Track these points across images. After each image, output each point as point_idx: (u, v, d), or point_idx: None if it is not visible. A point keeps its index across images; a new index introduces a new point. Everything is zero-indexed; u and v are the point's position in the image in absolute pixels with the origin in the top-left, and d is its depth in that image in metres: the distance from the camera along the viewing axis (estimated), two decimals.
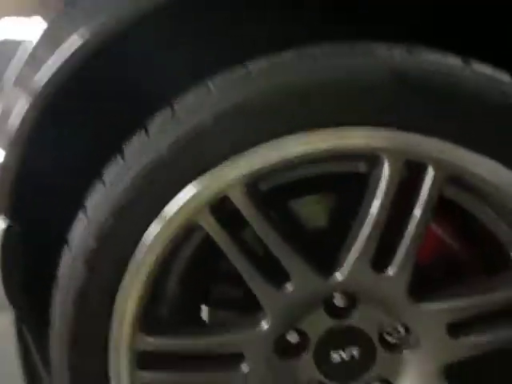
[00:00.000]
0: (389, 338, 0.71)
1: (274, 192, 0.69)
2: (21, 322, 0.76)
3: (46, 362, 0.80)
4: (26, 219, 0.71)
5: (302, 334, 0.71)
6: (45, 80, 0.63)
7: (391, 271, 0.65)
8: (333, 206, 0.73)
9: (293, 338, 0.72)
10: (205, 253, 0.73)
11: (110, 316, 0.67)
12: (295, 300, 0.67)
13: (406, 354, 0.70)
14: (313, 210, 0.74)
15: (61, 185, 0.73)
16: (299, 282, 0.67)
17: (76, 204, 0.67)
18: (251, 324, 0.69)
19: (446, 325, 0.66)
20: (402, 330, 0.71)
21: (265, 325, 0.68)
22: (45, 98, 0.64)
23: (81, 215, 0.66)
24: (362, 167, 0.67)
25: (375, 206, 0.64)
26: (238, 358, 0.70)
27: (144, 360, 0.69)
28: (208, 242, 0.71)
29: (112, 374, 0.68)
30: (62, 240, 0.68)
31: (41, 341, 0.78)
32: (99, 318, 0.67)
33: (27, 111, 0.65)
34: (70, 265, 0.66)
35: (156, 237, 0.64)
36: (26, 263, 0.70)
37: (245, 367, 0.69)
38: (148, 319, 0.69)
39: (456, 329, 0.67)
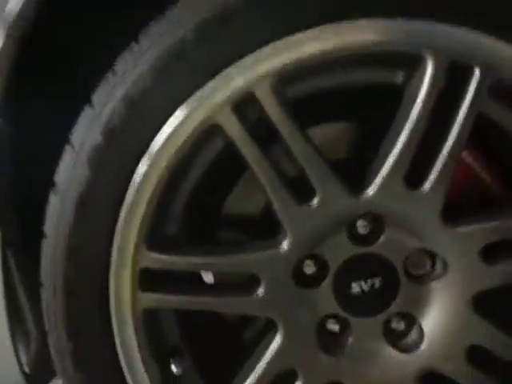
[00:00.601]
0: (414, 270, 0.68)
1: (303, 105, 0.64)
2: (6, 246, 0.67)
3: (31, 292, 0.71)
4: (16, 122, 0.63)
5: (321, 262, 0.65)
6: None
7: (426, 188, 0.61)
8: (364, 119, 0.68)
9: (312, 266, 0.67)
10: (219, 171, 0.66)
11: (112, 227, 0.59)
12: (319, 219, 0.61)
13: (433, 285, 0.65)
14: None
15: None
16: (326, 197, 0.61)
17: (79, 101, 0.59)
18: (270, 244, 0.63)
19: (479, 249, 0.62)
20: (428, 261, 0.67)
21: (284, 246, 0.62)
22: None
23: (86, 109, 0.58)
24: (398, 76, 0.63)
25: (412, 115, 0.59)
26: (252, 281, 0.63)
27: (148, 280, 0.62)
28: (223, 158, 0.66)
29: (112, 294, 0.60)
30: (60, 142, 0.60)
31: (26, 268, 0.69)
32: (101, 229, 0.59)
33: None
34: (71, 166, 0.58)
35: (172, 136, 0.58)
36: (16, 169, 0.61)
37: (260, 292, 0.62)
38: (154, 234, 0.62)
39: (489, 254, 0.63)
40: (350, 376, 0.66)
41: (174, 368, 0.65)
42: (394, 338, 0.67)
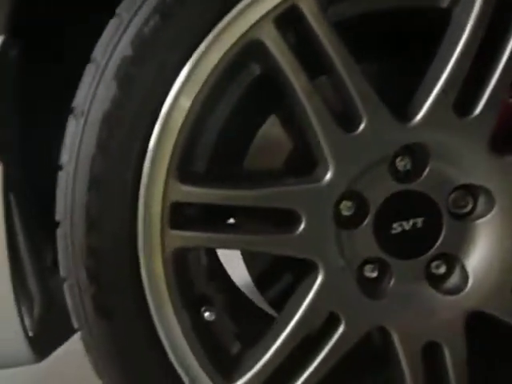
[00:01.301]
0: (458, 208, 0.64)
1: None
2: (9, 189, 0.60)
3: (34, 246, 0.64)
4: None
5: (361, 201, 0.62)
6: None
7: (475, 115, 0.58)
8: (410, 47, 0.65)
9: (351, 207, 0.62)
10: (254, 100, 0.61)
11: (140, 156, 0.54)
12: (364, 147, 0.58)
13: (477, 223, 0.62)
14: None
15: None
16: (373, 123, 0.57)
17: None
18: (311, 178, 0.59)
19: None
20: (472, 197, 0.64)
21: (326, 178, 0.58)
22: None
23: (112, 21, 0.52)
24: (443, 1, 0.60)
25: (462, 40, 0.56)
26: (291, 218, 0.59)
27: (178, 217, 0.57)
28: (260, 86, 0.61)
29: (140, 232, 0.55)
30: None
31: (29, 215, 0.63)
32: (127, 157, 0.54)
33: None
34: (95, 82, 0.52)
35: (207, 54, 0.52)
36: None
37: (300, 230, 0.58)
38: (185, 167, 0.57)
39: None
40: (393, 320, 0.62)
41: (205, 314, 0.60)
42: (438, 281, 0.64)
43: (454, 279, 0.65)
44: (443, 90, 0.57)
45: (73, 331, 0.79)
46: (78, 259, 0.56)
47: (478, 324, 0.64)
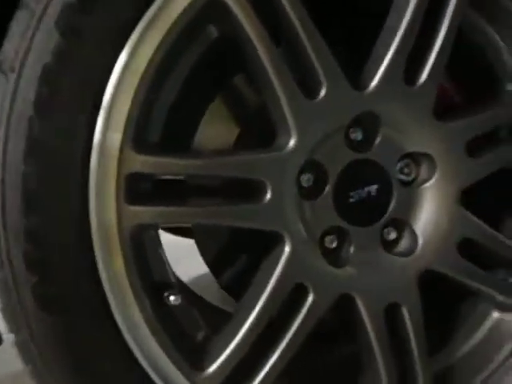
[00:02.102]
0: (405, 176, 0.68)
1: None
2: None
3: None
4: None
5: (321, 171, 0.62)
6: None
7: (421, 82, 0.62)
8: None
9: (312, 178, 0.62)
10: (210, 67, 0.58)
11: (91, 121, 0.48)
12: (324, 113, 0.59)
13: (423, 188, 0.66)
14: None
15: None
16: (333, 90, 0.58)
17: None
18: (273, 146, 0.58)
19: (465, 143, 0.66)
20: (417, 164, 0.68)
21: (289, 146, 0.57)
22: None
23: None
24: None
25: (408, 12, 0.59)
26: (257, 186, 0.58)
27: (135, 191, 0.52)
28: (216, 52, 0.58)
29: (93, 211, 0.49)
30: None
31: None
32: (74, 119, 0.47)
33: None
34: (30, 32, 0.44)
35: (161, 12, 0.48)
36: None
37: (266, 199, 0.57)
38: (140, 136, 0.52)
39: (472, 147, 0.66)
40: (356, 286, 0.64)
41: (170, 298, 0.55)
42: (391, 245, 0.67)
43: (405, 243, 0.68)
44: (394, 60, 0.61)
45: None
46: (12, 245, 0.47)
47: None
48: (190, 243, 0.91)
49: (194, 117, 0.62)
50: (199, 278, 1.12)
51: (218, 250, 0.75)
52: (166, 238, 0.68)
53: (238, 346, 0.58)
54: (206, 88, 0.63)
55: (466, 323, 0.73)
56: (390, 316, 0.65)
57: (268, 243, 0.63)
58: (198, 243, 0.74)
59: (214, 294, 0.85)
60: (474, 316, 0.73)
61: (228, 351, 0.58)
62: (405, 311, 0.65)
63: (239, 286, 0.66)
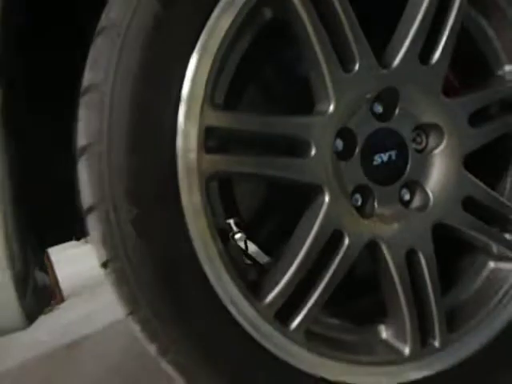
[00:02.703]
0: (418, 143, 0.80)
1: None
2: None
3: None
4: None
5: (351, 137, 0.74)
6: None
7: (433, 62, 0.75)
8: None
9: (344, 142, 0.73)
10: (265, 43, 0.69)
11: (181, 81, 0.58)
12: (356, 86, 0.70)
13: (433, 154, 0.79)
14: None
15: None
16: (364, 66, 0.70)
17: None
18: (319, 110, 0.70)
19: (468, 116, 0.79)
20: (427, 133, 0.80)
21: (330, 111, 0.69)
22: None
23: None
24: None
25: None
26: (304, 143, 0.68)
27: (211, 142, 0.61)
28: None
29: (180, 153, 0.58)
30: None
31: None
32: (169, 80, 0.57)
33: None
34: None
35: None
36: None
37: (311, 155, 0.68)
38: (214, 93, 0.62)
39: (474, 119, 0.79)
40: (381, 234, 0.74)
41: (235, 236, 0.64)
42: (407, 202, 0.79)
43: (418, 200, 0.80)
44: (412, 43, 0.73)
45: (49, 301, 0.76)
46: (116, 183, 0.56)
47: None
48: None
49: (248, 84, 0.72)
50: None
51: (256, 211, 0.84)
52: None
53: (289, 281, 0.68)
54: (258, 61, 0.73)
55: (467, 272, 0.86)
56: (410, 260, 0.77)
57: (307, 197, 0.73)
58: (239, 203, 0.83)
59: None
60: (474, 266, 0.86)
61: (280, 285, 0.67)
62: (421, 256, 0.77)
63: (273, 241, 0.76)
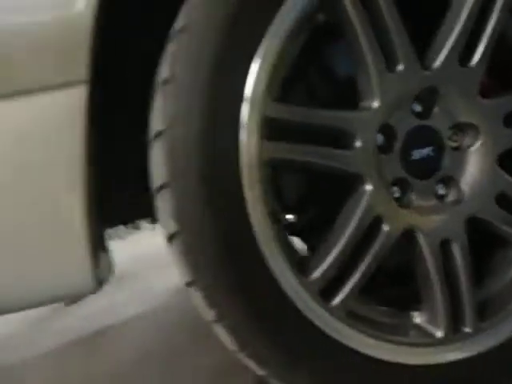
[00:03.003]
0: (455, 140, 0.85)
1: None
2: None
3: None
4: None
5: (391, 132, 0.79)
6: None
7: (472, 64, 0.80)
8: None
9: (385, 136, 0.79)
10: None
11: (245, 74, 0.65)
12: (399, 84, 0.76)
13: (468, 152, 0.83)
14: None
15: None
16: (407, 67, 0.76)
17: None
18: (364, 106, 0.76)
19: (503, 116, 0.83)
20: (464, 132, 0.85)
21: (374, 107, 0.75)
22: None
23: None
24: None
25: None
26: (349, 136, 0.75)
27: (270, 130, 0.68)
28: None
29: (243, 141, 0.65)
30: None
31: None
32: (238, 72, 0.64)
33: None
34: None
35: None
36: None
37: (356, 146, 0.75)
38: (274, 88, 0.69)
39: (509, 119, 0.84)
40: (417, 224, 0.79)
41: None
42: (443, 196, 0.84)
43: (453, 195, 0.85)
44: (453, 46, 0.79)
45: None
46: (188, 163, 0.64)
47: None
48: None
49: (301, 81, 0.79)
50: None
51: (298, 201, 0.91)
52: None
53: (332, 262, 0.74)
54: (310, 60, 0.80)
55: (500, 265, 0.90)
56: (444, 250, 0.82)
57: (350, 186, 0.79)
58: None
59: None
60: (507, 259, 0.90)
61: (325, 265, 0.74)
62: (455, 247, 0.82)
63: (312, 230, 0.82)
